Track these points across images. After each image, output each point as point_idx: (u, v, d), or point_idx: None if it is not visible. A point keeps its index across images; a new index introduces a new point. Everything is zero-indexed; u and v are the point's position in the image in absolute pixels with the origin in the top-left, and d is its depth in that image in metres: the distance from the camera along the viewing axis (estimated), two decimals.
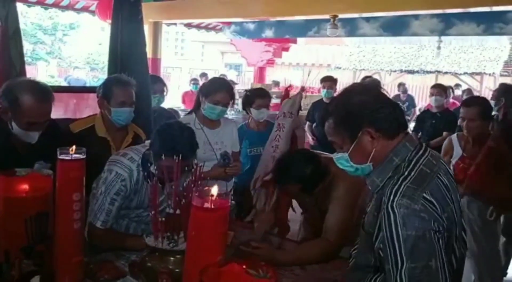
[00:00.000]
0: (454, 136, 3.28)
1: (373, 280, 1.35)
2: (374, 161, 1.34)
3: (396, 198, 1.21)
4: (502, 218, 3.59)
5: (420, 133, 5.12)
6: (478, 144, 3.03)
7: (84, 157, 1.54)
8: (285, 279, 1.82)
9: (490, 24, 6.42)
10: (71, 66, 13.29)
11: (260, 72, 10.11)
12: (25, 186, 1.37)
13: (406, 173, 1.27)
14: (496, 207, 2.94)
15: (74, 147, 1.45)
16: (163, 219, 1.61)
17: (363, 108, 1.32)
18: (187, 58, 27.37)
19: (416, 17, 7.12)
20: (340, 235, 2.02)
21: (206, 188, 1.13)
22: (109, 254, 1.97)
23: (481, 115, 2.97)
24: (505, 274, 3.77)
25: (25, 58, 3.06)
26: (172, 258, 1.59)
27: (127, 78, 2.50)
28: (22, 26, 3.07)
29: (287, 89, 2.60)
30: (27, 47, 21.32)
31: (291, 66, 17.62)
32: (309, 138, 5.43)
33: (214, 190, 1.10)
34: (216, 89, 2.64)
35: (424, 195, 1.21)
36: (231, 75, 15.27)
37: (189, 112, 2.86)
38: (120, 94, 2.40)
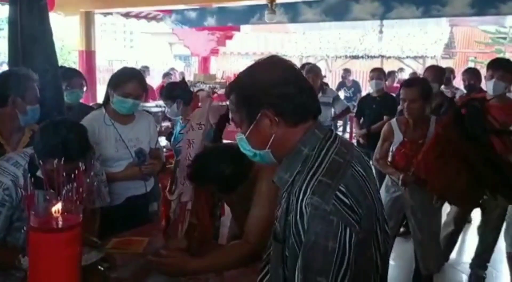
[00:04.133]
0: (393, 121, 3.13)
1: None
2: (275, 148, 1.16)
3: (306, 196, 1.03)
4: (456, 209, 3.57)
5: (362, 119, 5.06)
6: (419, 127, 2.93)
7: None
8: None
9: (428, 6, 6.47)
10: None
11: (204, 62, 9.81)
12: None
13: (316, 165, 1.09)
14: (439, 196, 2.87)
15: None
16: None
17: (264, 87, 1.12)
18: (136, 50, 26.69)
19: (357, 1, 7.10)
20: (261, 236, 1.82)
21: (52, 200, 0.89)
22: None
23: (422, 95, 2.86)
24: (447, 259, 3.77)
25: None
26: None
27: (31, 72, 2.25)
28: None
29: (196, 95, 2.27)
30: None
31: (240, 55, 17.39)
32: None
33: (58, 205, 0.87)
34: (125, 80, 2.38)
35: (337, 193, 1.02)
36: (178, 67, 14.86)
37: (98, 107, 2.60)
38: (35, 90, 2.18)
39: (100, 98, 6.92)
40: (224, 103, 6.77)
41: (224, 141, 4.28)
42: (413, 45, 12.63)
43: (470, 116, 2.64)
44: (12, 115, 2.16)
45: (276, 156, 1.18)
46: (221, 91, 7.37)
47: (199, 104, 2.81)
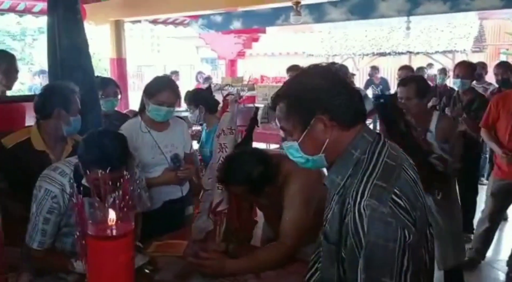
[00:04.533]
0: None
1: None
2: (328, 152, 1.19)
3: (363, 199, 1.07)
4: (490, 205, 3.50)
5: None
6: (421, 124, 2.95)
7: None
8: None
9: (456, 0, 6.34)
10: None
11: (231, 65, 9.91)
12: None
13: (370, 168, 1.13)
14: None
15: None
16: None
17: (317, 93, 1.16)
18: (163, 54, 27.04)
19: None
20: (296, 237, 1.90)
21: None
22: (47, 278, 1.83)
23: (417, 93, 2.90)
24: (483, 257, 3.71)
25: None
26: None
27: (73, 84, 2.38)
28: None
29: (226, 99, 2.31)
30: None
31: (266, 56, 17.42)
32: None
33: (112, 214, 0.94)
34: (160, 89, 2.46)
35: (393, 196, 1.06)
36: (205, 70, 15.02)
37: (135, 115, 2.69)
38: (77, 102, 2.30)
39: (132, 105, 7.08)
40: (251, 105, 6.80)
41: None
42: (441, 40, 12.38)
43: (381, 111, 2.78)
44: (56, 126, 2.28)
45: (327, 160, 1.21)
46: (249, 93, 7.45)
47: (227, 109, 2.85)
